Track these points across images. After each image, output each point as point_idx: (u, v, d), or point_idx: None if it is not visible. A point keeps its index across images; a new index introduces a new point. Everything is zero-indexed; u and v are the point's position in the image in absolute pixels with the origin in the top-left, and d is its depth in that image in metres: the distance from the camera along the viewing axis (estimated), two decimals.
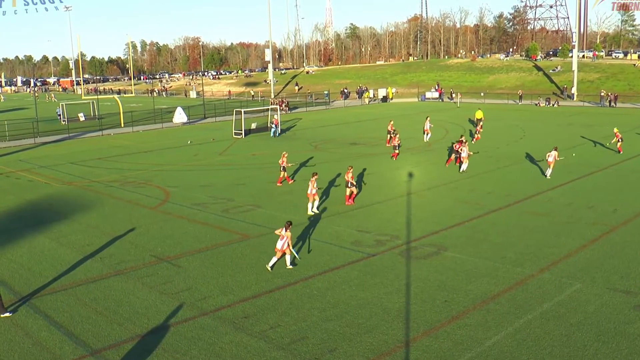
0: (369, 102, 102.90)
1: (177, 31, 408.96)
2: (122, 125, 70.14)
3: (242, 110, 59.10)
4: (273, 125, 58.90)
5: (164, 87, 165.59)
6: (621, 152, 41.58)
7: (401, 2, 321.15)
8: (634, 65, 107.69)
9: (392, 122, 50.47)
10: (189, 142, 53.57)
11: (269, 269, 20.08)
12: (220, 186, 34.13)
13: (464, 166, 36.40)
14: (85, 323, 16.28)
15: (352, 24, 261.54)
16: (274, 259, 20.19)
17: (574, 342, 14.77)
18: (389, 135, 48.36)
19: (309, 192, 27.56)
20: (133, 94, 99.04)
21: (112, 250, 22.69)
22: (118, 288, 18.80)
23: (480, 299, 17.45)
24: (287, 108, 69.13)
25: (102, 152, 49.37)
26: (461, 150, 36.68)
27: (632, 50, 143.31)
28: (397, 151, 41.96)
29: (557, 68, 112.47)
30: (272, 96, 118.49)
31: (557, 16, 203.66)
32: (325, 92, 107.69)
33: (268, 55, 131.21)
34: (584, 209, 27.46)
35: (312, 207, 27.71)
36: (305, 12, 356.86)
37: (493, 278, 19.05)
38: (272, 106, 67.07)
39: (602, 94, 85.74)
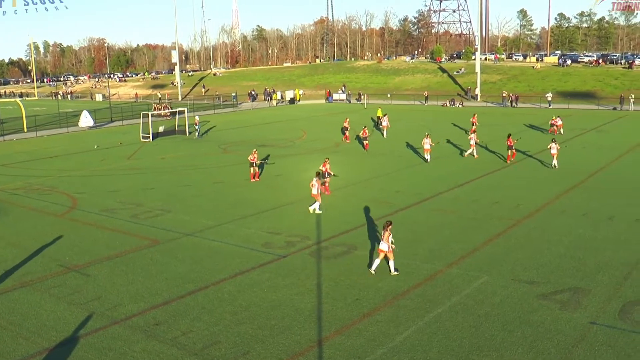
0: (276, 104, 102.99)
1: (81, 32, 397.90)
2: (26, 129, 67.87)
3: (150, 113, 58.28)
4: (196, 126, 59.11)
5: (69, 90, 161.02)
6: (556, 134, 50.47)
7: (307, 5, 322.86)
8: (533, 67, 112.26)
9: (348, 120, 54.03)
10: (95, 147, 52.40)
11: (372, 272, 19.73)
12: (129, 191, 33.56)
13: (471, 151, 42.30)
14: None
15: (258, 25, 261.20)
16: (391, 262, 19.78)
17: (482, 332, 15.34)
18: (345, 132, 52.00)
19: (314, 192, 27.60)
20: (36, 97, 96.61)
21: (17, 261, 21.91)
22: (24, 301, 18.21)
23: (391, 295, 17.85)
24: (170, 114, 67.31)
25: (5, 158, 47.64)
26: (470, 138, 42.97)
27: (530, 53, 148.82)
28: (366, 142, 47.31)
29: (461, 70, 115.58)
30: (179, 99, 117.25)
31: (460, 20, 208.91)
32: (233, 94, 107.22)
33: (175, 57, 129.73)
34: (489, 205, 28.46)
35: (318, 207, 27.75)
36: (211, 14, 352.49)
37: (403, 275, 19.49)
38: (179, 109, 66.30)
39: (504, 94, 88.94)
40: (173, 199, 31.45)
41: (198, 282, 19.27)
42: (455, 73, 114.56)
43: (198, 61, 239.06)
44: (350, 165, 39.85)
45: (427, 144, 40.43)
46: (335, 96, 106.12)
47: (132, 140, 56.81)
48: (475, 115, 56.93)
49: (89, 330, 15.96)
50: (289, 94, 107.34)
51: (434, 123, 64.02)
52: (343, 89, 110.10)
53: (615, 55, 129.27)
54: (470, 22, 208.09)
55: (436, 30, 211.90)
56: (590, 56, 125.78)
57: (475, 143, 42.47)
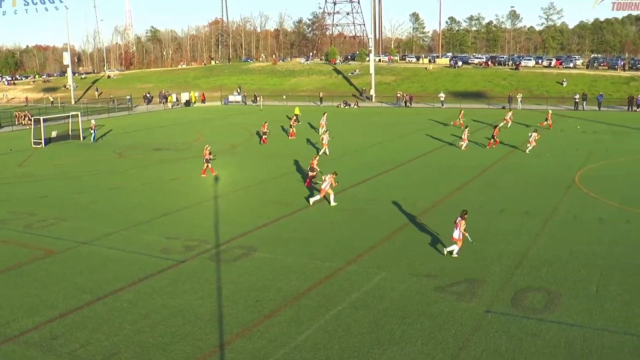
0: (172, 106, 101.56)
1: None
2: None
3: (42, 117, 56.37)
4: (92, 131, 57.62)
5: None
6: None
7: (202, 6, 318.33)
8: (426, 68, 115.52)
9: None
10: None
11: (449, 253, 21.06)
12: (21, 200, 32.39)
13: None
14: None
15: (152, 26, 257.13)
16: (455, 247, 20.81)
17: (382, 327, 15.79)
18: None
19: (323, 186, 28.73)
20: None
21: None
22: None
23: (291, 295, 18.05)
24: (30, 121, 64.85)
25: None
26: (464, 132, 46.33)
27: (423, 55, 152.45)
28: (265, 137, 51.47)
29: (355, 71, 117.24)
30: (73, 102, 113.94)
31: (353, 23, 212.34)
32: (128, 97, 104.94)
33: (67, 59, 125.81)
34: (387, 203, 29.13)
35: (317, 199, 29.09)
36: (104, 14, 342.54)
37: (303, 274, 19.75)
38: (73, 113, 64.35)
39: (398, 95, 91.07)
40: (68, 206, 30.59)
41: (96, 292, 18.85)
42: (350, 74, 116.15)
43: (91, 63, 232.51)
44: (247, 167, 39.89)
45: (325, 138, 44.19)
46: (231, 98, 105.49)
47: (24, 146, 54.67)
48: (462, 112, 60.51)
49: None
50: (184, 96, 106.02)
51: (330, 122, 64.66)
52: (239, 91, 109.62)
53: (503, 57, 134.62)
54: (364, 24, 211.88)
55: (331, 33, 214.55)
56: (480, 58, 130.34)
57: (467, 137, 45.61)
